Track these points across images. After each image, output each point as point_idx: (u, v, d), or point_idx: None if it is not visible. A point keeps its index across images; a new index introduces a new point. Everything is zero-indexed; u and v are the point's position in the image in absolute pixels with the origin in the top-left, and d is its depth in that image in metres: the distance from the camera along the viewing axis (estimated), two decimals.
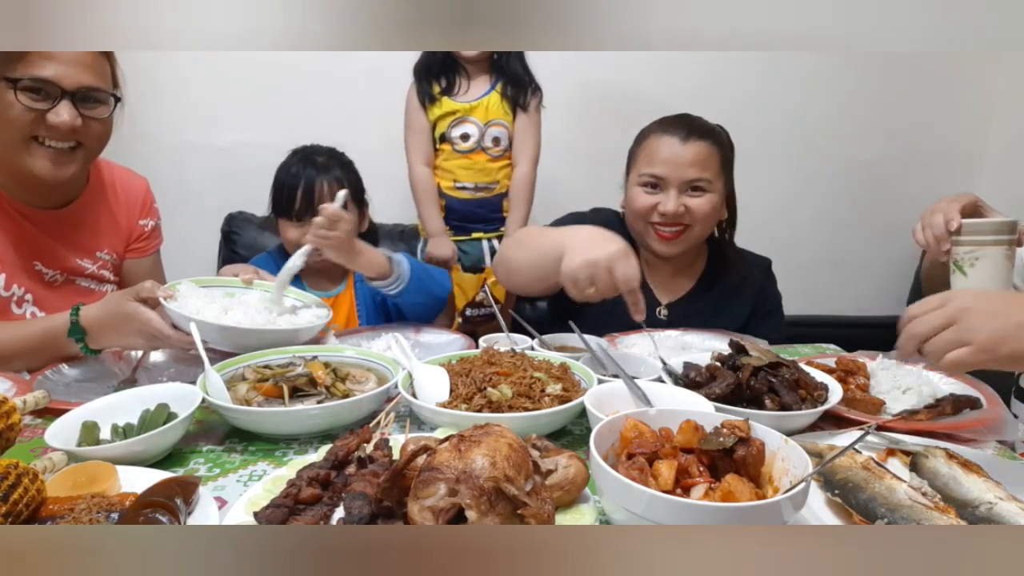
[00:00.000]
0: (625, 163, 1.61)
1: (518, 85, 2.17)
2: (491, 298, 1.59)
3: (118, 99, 1.29)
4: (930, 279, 1.36)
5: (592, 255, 1.10)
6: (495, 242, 2.31)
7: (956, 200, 1.15)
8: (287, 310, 1.32)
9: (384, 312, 1.74)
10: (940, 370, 1.05)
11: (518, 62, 2.19)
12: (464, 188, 2.22)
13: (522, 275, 1.38)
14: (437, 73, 2.19)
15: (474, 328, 2.16)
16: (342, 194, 1.38)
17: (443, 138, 2.19)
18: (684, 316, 1.56)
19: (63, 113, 1.19)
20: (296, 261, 1.35)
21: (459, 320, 2.20)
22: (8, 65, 1.15)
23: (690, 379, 1.06)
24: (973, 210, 1.16)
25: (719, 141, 1.51)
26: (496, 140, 2.20)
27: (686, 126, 1.49)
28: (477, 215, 2.27)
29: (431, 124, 2.20)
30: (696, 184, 1.47)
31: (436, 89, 2.18)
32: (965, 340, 0.81)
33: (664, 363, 1.13)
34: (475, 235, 2.29)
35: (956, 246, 1.11)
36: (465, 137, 2.18)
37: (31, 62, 1.16)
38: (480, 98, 2.18)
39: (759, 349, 1.08)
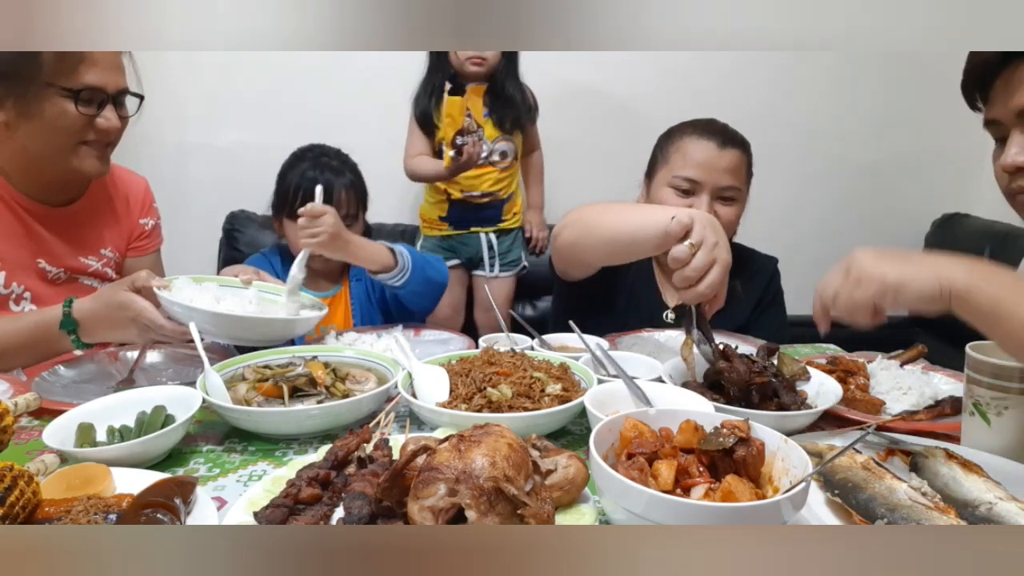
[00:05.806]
0: (647, 163, 1.57)
1: (512, 107, 2.26)
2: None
3: (142, 98, 1.32)
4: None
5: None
6: (492, 236, 2.40)
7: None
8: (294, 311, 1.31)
9: (382, 309, 1.73)
10: (854, 322, 0.88)
11: (514, 85, 2.27)
12: (472, 195, 2.32)
13: (605, 243, 1.28)
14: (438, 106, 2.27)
15: (464, 160, 2.15)
16: (319, 190, 1.38)
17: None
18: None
19: (111, 117, 1.25)
20: (296, 270, 1.31)
21: (451, 154, 2.18)
22: (60, 75, 1.17)
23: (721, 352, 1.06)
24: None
25: (748, 151, 1.50)
26: (503, 154, 2.30)
27: (720, 132, 1.47)
28: (481, 216, 2.38)
29: (440, 143, 2.27)
30: (728, 192, 1.45)
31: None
32: (855, 279, 0.82)
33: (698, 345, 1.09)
34: (473, 229, 2.38)
35: (976, 386, 0.92)
36: None
37: (80, 71, 1.18)
38: (486, 117, 2.27)
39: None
